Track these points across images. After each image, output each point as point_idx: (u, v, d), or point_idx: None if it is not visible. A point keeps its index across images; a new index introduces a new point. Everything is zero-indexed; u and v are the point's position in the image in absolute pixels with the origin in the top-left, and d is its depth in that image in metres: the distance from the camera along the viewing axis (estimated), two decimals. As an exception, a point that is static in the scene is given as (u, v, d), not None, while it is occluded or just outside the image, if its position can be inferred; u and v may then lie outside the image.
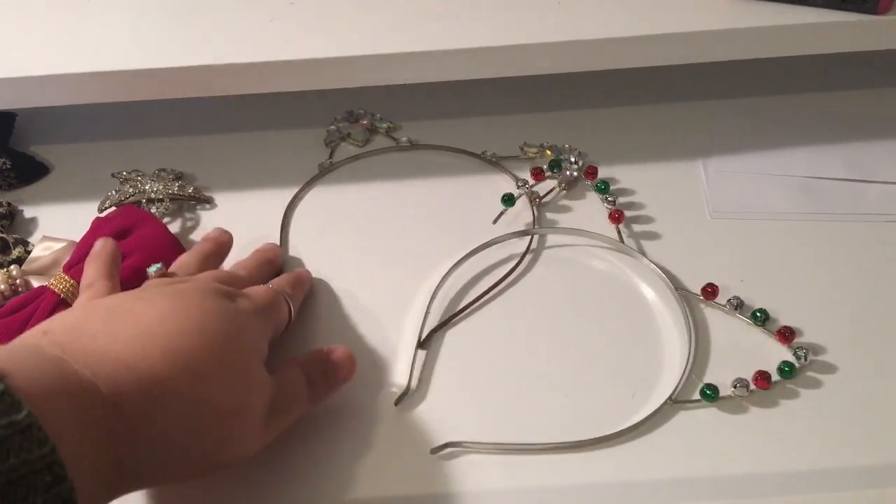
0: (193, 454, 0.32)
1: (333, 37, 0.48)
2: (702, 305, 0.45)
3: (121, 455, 0.29)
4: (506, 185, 0.52)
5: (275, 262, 0.46)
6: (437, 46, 0.48)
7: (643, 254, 0.47)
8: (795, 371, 0.40)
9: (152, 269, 0.40)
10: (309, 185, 0.53)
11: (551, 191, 0.51)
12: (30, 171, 0.53)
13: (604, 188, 0.50)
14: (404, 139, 0.55)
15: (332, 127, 0.56)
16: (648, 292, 0.45)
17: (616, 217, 0.48)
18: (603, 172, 0.52)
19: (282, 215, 0.50)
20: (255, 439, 0.34)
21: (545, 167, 0.51)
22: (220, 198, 0.53)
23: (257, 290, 0.39)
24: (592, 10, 0.50)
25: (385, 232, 0.49)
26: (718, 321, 0.44)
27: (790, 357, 0.41)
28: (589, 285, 0.46)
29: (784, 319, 0.43)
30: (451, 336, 0.44)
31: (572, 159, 0.52)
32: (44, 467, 0.24)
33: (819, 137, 0.56)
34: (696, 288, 0.45)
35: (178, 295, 0.34)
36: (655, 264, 0.46)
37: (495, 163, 0.53)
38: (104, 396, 0.29)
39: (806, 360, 0.41)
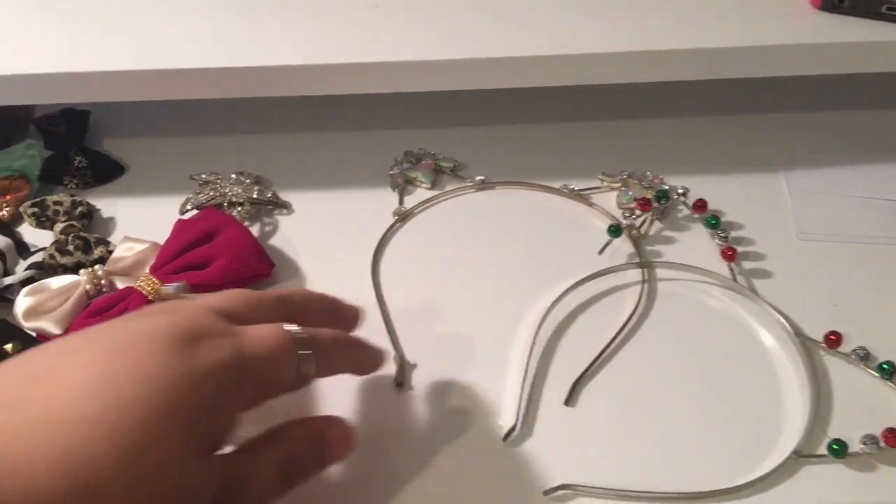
0: None
1: (415, 40, 0.49)
2: (821, 352, 0.44)
3: None
4: (589, 215, 0.52)
5: (341, 314, 0.39)
6: (520, 52, 0.49)
7: (756, 293, 0.47)
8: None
9: (170, 288, 0.39)
10: (389, 233, 0.51)
11: (643, 222, 0.51)
12: (106, 171, 0.54)
13: (714, 223, 0.50)
14: (478, 178, 0.54)
15: (395, 170, 0.55)
16: (766, 336, 0.45)
17: (729, 255, 0.48)
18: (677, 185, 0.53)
19: (369, 266, 0.49)
20: None
21: (652, 197, 0.51)
22: (296, 202, 0.53)
23: (259, 332, 0.31)
24: (673, 19, 0.51)
25: (479, 270, 0.49)
26: (841, 372, 0.43)
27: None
28: (703, 327, 0.46)
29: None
30: (557, 374, 0.43)
31: (680, 190, 0.52)
32: None
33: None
34: (811, 327, 0.44)
35: (121, 348, 0.28)
36: (774, 307, 0.46)
37: (576, 196, 0.53)
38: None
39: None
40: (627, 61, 0.50)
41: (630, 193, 0.53)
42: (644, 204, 0.51)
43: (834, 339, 0.43)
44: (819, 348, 0.44)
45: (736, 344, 0.45)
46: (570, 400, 0.42)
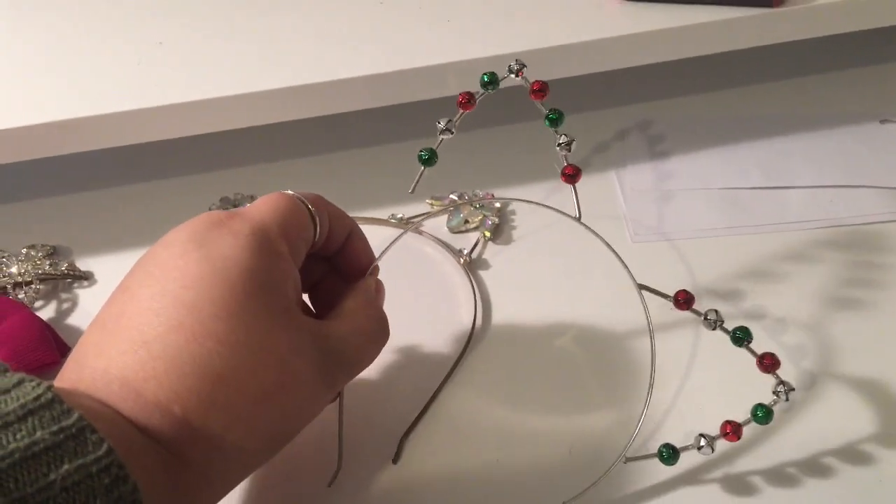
0: (253, 443, 0.30)
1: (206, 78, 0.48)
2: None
3: (182, 465, 0.28)
4: (420, 244, 0.50)
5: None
6: (312, 80, 0.48)
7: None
8: (771, 416, 0.38)
9: None
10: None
11: (476, 245, 0.50)
12: None
13: (556, 118, 0.40)
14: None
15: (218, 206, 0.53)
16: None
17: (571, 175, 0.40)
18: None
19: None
20: (316, 402, 0.33)
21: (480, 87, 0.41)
22: (100, 270, 0.50)
23: (257, 202, 0.34)
24: (489, 26, 0.50)
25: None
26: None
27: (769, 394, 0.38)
28: (536, 352, 0.44)
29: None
30: (373, 404, 0.41)
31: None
32: (101, 470, 0.24)
33: (729, 140, 0.56)
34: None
35: (157, 266, 0.31)
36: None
37: (405, 225, 0.51)
38: (147, 426, 0.28)
39: (787, 399, 0.38)
40: (434, 75, 0.48)
41: (461, 216, 0.52)
42: (466, 102, 0.40)
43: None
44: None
45: (568, 365, 0.43)
46: (398, 457, 0.39)
